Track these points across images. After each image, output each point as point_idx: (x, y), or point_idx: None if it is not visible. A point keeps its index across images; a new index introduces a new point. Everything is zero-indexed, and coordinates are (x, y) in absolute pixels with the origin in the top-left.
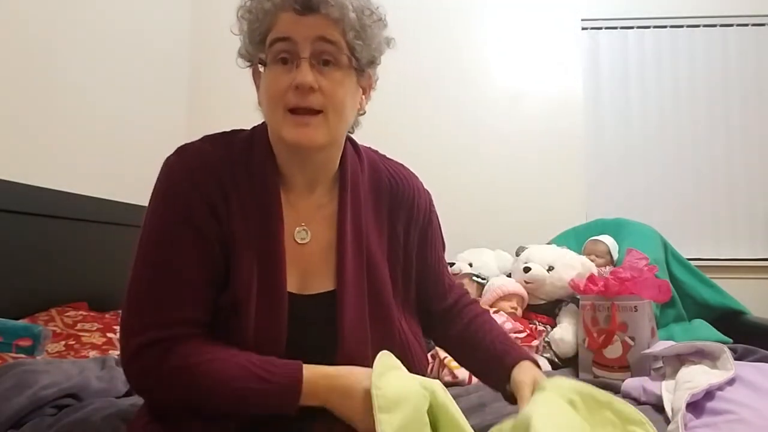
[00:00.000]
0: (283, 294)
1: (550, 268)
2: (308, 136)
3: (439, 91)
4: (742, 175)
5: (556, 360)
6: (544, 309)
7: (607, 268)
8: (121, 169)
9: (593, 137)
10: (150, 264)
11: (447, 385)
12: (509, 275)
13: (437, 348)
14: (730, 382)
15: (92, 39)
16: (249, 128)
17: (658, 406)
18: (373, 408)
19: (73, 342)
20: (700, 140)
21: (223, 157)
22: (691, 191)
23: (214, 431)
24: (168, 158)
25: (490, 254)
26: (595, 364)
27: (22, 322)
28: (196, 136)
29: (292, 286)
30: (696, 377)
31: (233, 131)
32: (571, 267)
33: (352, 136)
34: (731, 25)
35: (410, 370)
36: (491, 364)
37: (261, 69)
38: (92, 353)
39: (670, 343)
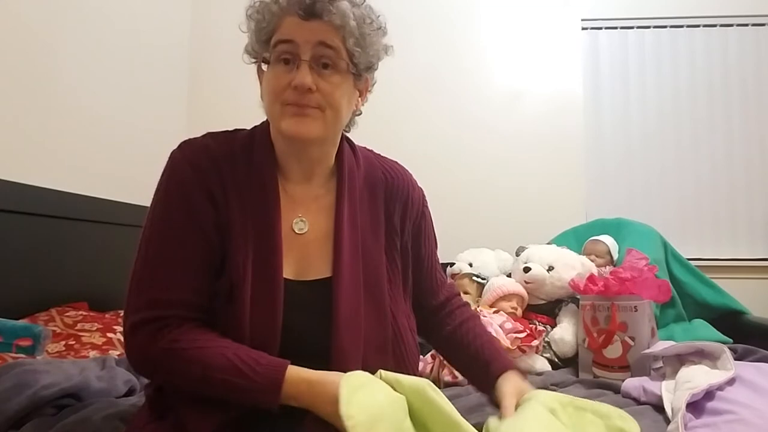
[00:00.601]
0: (279, 279)
1: (550, 268)
2: (305, 126)
3: (439, 91)
4: (742, 175)
5: (556, 360)
6: (544, 309)
7: (607, 268)
8: (121, 169)
9: (593, 137)
10: (150, 247)
11: (447, 385)
12: (509, 275)
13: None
14: (730, 382)
15: (92, 39)
16: (249, 128)
17: (658, 406)
18: None
19: (73, 342)
20: (700, 140)
21: (225, 151)
22: (691, 191)
23: (212, 428)
24: (173, 152)
25: (490, 254)
26: (595, 364)
27: (22, 322)
28: (196, 136)
29: (289, 273)
30: (696, 377)
31: (235, 130)
32: (571, 267)
33: (349, 136)
34: (731, 25)
35: (401, 359)
36: (478, 370)
37: (264, 67)
38: (92, 353)
39: (670, 343)
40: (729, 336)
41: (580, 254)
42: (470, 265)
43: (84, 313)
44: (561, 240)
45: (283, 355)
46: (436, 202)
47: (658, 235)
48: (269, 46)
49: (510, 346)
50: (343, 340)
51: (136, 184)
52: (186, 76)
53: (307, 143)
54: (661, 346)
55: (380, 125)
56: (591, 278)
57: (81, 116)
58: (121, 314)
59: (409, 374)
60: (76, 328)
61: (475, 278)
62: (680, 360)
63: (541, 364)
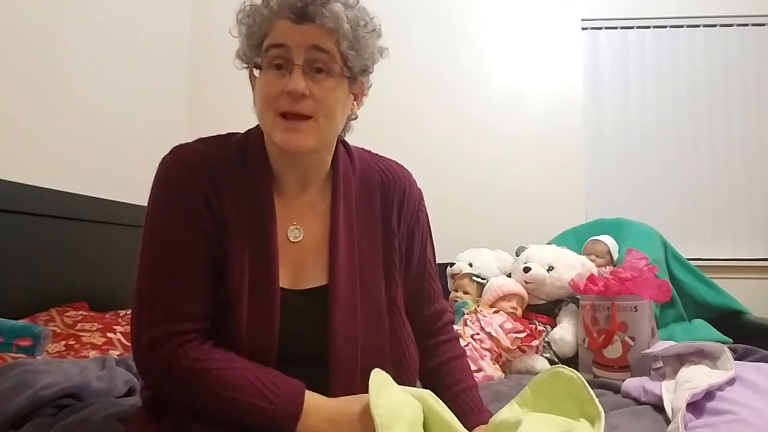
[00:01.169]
0: (275, 289)
1: (550, 268)
2: (297, 141)
3: (439, 91)
4: (742, 175)
5: (556, 360)
6: (544, 309)
7: (607, 268)
8: (121, 169)
9: (593, 137)
10: (156, 260)
11: None
12: (509, 275)
13: None
14: (730, 382)
15: (92, 39)
16: (243, 131)
17: (658, 406)
18: (375, 426)
19: (73, 342)
20: (700, 140)
21: (218, 157)
22: (691, 191)
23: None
24: (164, 158)
25: (490, 254)
26: (595, 364)
27: (22, 322)
28: (196, 136)
29: (285, 281)
30: (696, 377)
31: (228, 134)
32: (571, 267)
33: (349, 135)
34: (731, 25)
35: (400, 366)
36: None
37: (256, 72)
38: (92, 353)
39: (670, 343)
40: (729, 336)
41: (580, 254)
42: (470, 265)
43: (84, 313)
44: (561, 240)
45: (280, 366)
46: (436, 202)
47: (658, 235)
48: (261, 51)
49: (510, 346)
50: (340, 349)
51: (136, 184)
52: (186, 76)
53: (301, 155)
54: (661, 346)
55: (380, 125)
56: (591, 278)
57: (81, 116)
58: (121, 314)
59: (408, 380)
60: (76, 328)
61: (475, 278)
62: (680, 360)
63: (541, 364)
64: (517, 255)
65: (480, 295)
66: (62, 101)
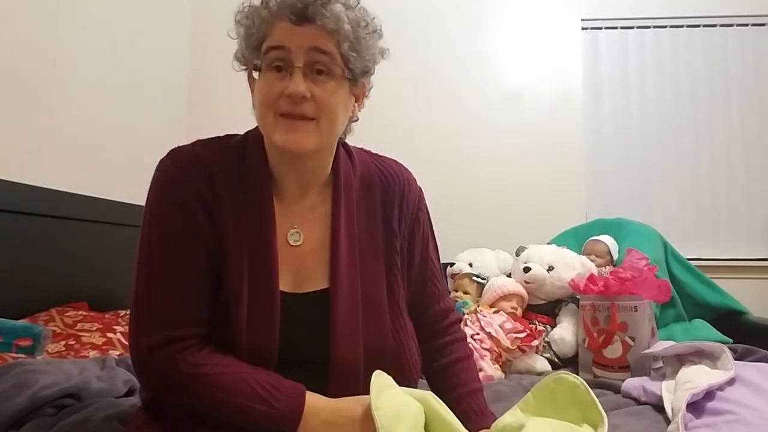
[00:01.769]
0: (275, 292)
1: (550, 268)
2: (298, 141)
3: (439, 90)
4: (742, 175)
5: (556, 360)
6: (544, 309)
7: (607, 268)
8: (121, 169)
9: (593, 137)
10: (155, 265)
11: None
12: (509, 275)
13: None
14: (731, 382)
15: (92, 39)
16: (242, 133)
17: (658, 406)
18: (376, 428)
19: (73, 342)
20: (701, 140)
21: (216, 160)
22: (691, 191)
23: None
24: (161, 161)
25: (490, 254)
26: (595, 364)
27: (22, 322)
28: (196, 137)
29: (286, 285)
30: (696, 377)
31: (226, 136)
32: (571, 267)
33: (348, 135)
34: (731, 25)
35: (402, 369)
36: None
37: (255, 74)
38: (92, 353)
39: (670, 343)
40: (729, 336)
41: (580, 254)
42: (470, 265)
43: (84, 313)
44: (561, 240)
45: (281, 368)
46: (436, 202)
47: (658, 235)
48: (260, 53)
49: (510, 346)
50: (341, 352)
51: (136, 184)
52: (186, 77)
53: (302, 157)
54: (661, 346)
55: (380, 125)
56: (591, 278)
57: (81, 116)
58: (121, 314)
59: (409, 382)
60: (76, 328)
61: (475, 278)
62: (680, 360)
63: (541, 364)
64: (517, 255)
65: (480, 295)
66: (62, 101)
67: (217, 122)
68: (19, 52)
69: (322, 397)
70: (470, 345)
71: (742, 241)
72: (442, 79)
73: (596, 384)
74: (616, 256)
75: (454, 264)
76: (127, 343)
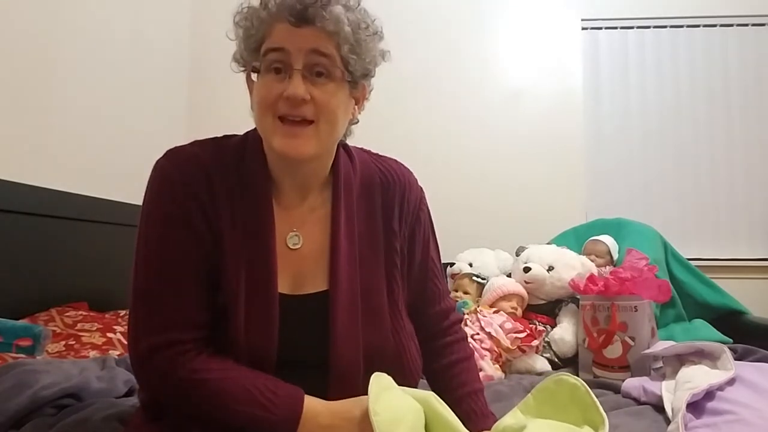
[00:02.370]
0: (273, 294)
1: (550, 268)
2: (297, 147)
3: (439, 90)
4: (742, 175)
5: (556, 360)
6: (544, 309)
7: (607, 268)
8: (121, 169)
9: (593, 137)
10: (153, 267)
11: None
12: (509, 275)
13: None
14: (731, 382)
15: (92, 39)
16: (241, 134)
17: (658, 406)
18: None
19: (73, 342)
20: (700, 140)
21: (214, 161)
22: (691, 191)
23: None
24: (158, 161)
25: (490, 254)
26: (595, 364)
27: (22, 322)
28: (196, 137)
29: (284, 287)
30: (696, 377)
31: (225, 136)
32: (571, 267)
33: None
34: (731, 25)
35: (403, 370)
36: None
37: (254, 76)
38: (92, 353)
39: (670, 343)
40: (729, 336)
41: (580, 254)
42: (470, 265)
43: (84, 313)
44: (561, 240)
45: (280, 370)
46: (436, 202)
47: (658, 235)
48: (259, 55)
49: (510, 346)
50: (341, 354)
51: (136, 184)
52: (186, 76)
53: (301, 162)
54: (661, 346)
55: (380, 125)
56: (591, 278)
57: (81, 116)
58: (121, 314)
59: (409, 384)
60: (76, 328)
61: (475, 278)
62: (680, 360)
63: (541, 364)
64: (517, 255)
65: (480, 295)
66: (62, 101)
67: (217, 122)
68: (19, 52)
69: (320, 400)
70: (470, 345)
71: (742, 241)
72: (442, 79)
73: (596, 384)
74: (616, 256)
75: (454, 264)
76: (126, 343)
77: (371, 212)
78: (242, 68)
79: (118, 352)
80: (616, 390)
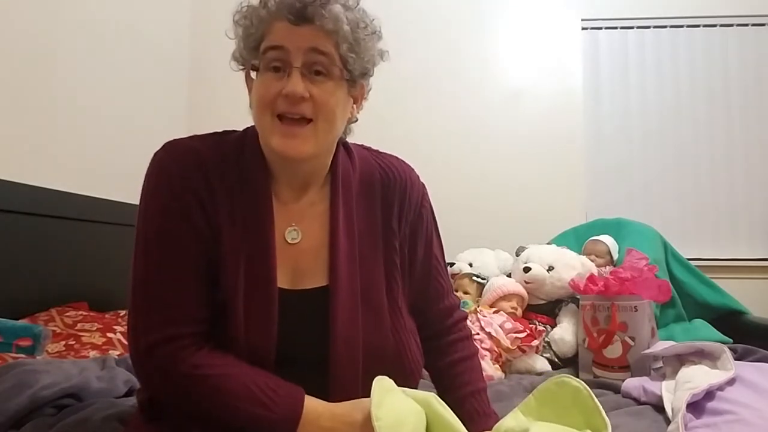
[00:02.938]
0: (273, 289)
1: (550, 268)
2: (295, 147)
3: (439, 90)
4: (742, 175)
5: (556, 360)
6: (544, 309)
7: (607, 268)
8: (121, 168)
9: (593, 137)
10: (151, 261)
11: None
12: (509, 275)
13: None
14: (731, 382)
15: (92, 39)
16: (241, 130)
17: (658, 406)
18: None
19: (73, 342)
20: (700, 140)
21: (213, 155)
22: (691, 191)
23: None
24: (156, 153)
25: (490, 254)
26: (595, 364)
27: (22, 322)
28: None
29: (284, 282)
30: (696, 377)
31: (224, 132)
32: (571, 267)
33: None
34: (731, 25)
35: (403, 367)
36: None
37: (253, 75)
38: (92, 353)
39: (670, 343)
40: (729, 336)
41: (580, 254)
42: (470, 265)
43: (84, 313)
44: (561, 240)
45: (279, 366)
46: (436, 202)
47: (658, 235)
48: (258, 53)
49: (510, 346)
50: (340, 351)
51: (136, 184)
52: (186, 76)
53: (299, 161)
54: (661, 346)
55: (379, 125)
56: (591, 278)
57: (81, 116)
58: (121, 314)
59: (410, 383)
60: (76, 328)
61: (475, 278)
62: (680, 360)
63: (541, 364)
64: (517, 255)
65: (480, 295)
66: (62, 101)
67: (217, 122)
68: (19, 52)
69: (322, 401)
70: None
71: (742, 241)
72: (442, 79)
73: (596, 384)
74: (616, 256)
75: (454, 264)
76: (126, 342)
77: (371, 209)
78: (241, 67)
79: (118, 352)
80: (616, 390)
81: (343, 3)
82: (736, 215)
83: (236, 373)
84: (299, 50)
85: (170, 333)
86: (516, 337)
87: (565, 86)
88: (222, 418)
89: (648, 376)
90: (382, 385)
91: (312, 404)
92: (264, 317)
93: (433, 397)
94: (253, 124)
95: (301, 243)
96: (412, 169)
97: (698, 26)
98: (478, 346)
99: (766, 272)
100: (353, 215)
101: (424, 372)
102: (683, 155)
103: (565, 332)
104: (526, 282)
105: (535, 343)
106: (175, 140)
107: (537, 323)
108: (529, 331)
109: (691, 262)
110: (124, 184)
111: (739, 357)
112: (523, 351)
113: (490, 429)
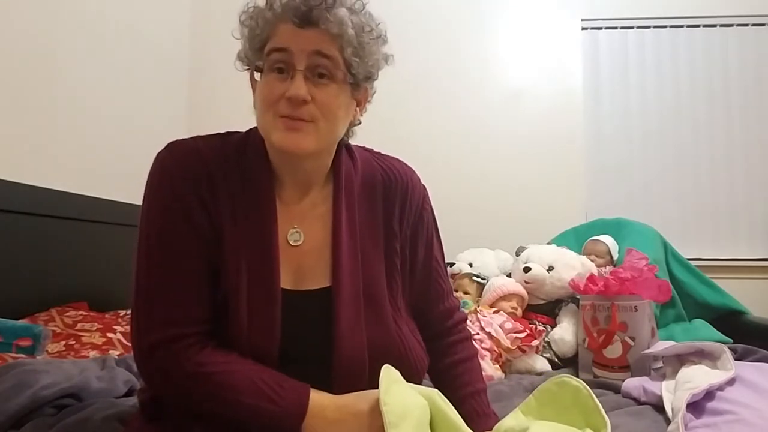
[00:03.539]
0: (276, 289)
1: (550, 268)
2: (297, 141)
3: (439, 90)
4: (742, 175)
5: (556, 360)
6: (544, 309)
7: (607, 268)
8: (121, 169)
9: (593, 137)
10: (153, 262)
11: None
12: (509, 275)
13: None
14: (731, 382)
15: (92, 39)
16: (244, 130)
17: (658, 406)
18: (384, 423)
19: (73, 342)
20: (700, 140)
21: (215, 155)
22: (691, 191)
23: None
24: (159, 153)
25: (490, 254)
26: (595, 364)
27: (22, 322)
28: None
29: (286, 283)
30: (696, 377)
31: (227, 132)
32: (571, 267)
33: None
34: (731, 25)
35: (407, 366)
36: None
37: (257, 75)
38: (92, 353)
39: (670, 343)
40: (729, 336)
41: (580, 254)
42: (470, 265)
43: (84, 313)
44: (561, 240)
45: (283, 366)
46: (436, 202)
47: (658, 235)
48: (263, 54)
49: (510, 346)
50: (344, 351)
51: (137, 184)
52: (186, 76)
53: (301, 157)
54: (661, 346)
55: (380, 125)
56: (591, 278)
57: (81, 116)
58: (121, 314)
59: (415, 381)
60: (76, 328)
61: (475, 278)
62: (680, 360)
63: (541, 364)
64: (517, 255)
65: (480, 295)
66: (62, 101)
67: (217, 122)
68: (20, 52)
69: (327, 394)
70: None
71: (742, 241)
72: (442, 79)
73: (596, 384)
74: (616, 256)
75: (454, 264)
76: (127, 343)
77: (372, 211)
78: (246, 67)
79: (118, 352)
80: (616, 390)
81: (349, 6)
82: (736, 215)
83: (240, 369)
84: (303, 53)
85: (172, 333)
86: (516, 337)
87: (565, 86)
88: (227, 415)
89: (648, 376)
90: (390, 374)
91: (317, 397)
92: (267, 318)
93: (436, 394)
94: (255, 125)
95: (303, 245)
96: (414, 172)
97: (698, 26)
98: (478, 346)
99: (766, 272)
100: (355, 216)
101: None
102: (683, 155)
103: (565, 332)
104: (526, 282)
105: (535, 343)
106: (177, 141)
107: (537, 323)
108: (529, 331)
109: (691, 262)
110: (124, 184)
111: (739, 357)
112: (523, 351)
113: (490, 429)
